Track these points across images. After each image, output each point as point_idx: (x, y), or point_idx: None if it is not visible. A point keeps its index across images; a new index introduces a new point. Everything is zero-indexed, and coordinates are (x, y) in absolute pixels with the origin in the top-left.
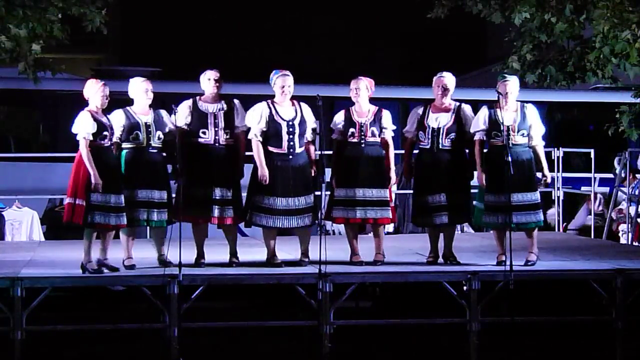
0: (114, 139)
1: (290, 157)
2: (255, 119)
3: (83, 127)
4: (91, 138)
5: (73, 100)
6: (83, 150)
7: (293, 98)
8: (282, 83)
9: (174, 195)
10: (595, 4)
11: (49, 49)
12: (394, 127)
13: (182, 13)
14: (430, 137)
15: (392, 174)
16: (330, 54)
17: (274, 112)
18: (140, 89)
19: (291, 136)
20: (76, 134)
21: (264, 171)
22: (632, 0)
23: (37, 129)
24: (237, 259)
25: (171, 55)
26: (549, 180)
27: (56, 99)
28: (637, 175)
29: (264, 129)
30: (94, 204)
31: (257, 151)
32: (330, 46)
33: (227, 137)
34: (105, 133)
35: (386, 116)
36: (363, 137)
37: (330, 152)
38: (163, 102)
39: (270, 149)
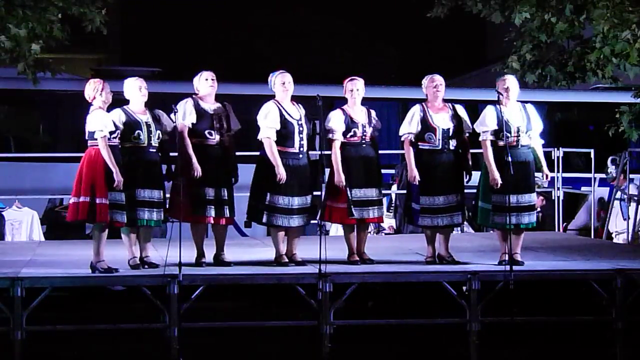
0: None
1: (301, 156)
2: (270, 119)
3: (102, 124)
4: (109, 136)
5: (73, 100)
6: (103, 148)
7: (293, 99)
8: (283, 79)
9: (167, 195)
10: (595, 4)
11: (48, 49)
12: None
13: (182, 13)
14: (441, 138)
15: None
16: (329, 54)
17: (284, 111)
18: (134, 88)
19: (301, 135)
20: (93, 132)
21: (281, 170)
22: (632, 0)
23: (37, 129)
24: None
25: (171, 55)
26: (549, 179)
27: (56, 99)
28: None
29: (277, 129)
30: (111, 202)
31: (273, 151)
32: (330, 46)
33: (226, 138)
34: (115, 132)
35: (374, 115)
36: (364, 137)
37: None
38: (163, 102)
39: (283, 148)
